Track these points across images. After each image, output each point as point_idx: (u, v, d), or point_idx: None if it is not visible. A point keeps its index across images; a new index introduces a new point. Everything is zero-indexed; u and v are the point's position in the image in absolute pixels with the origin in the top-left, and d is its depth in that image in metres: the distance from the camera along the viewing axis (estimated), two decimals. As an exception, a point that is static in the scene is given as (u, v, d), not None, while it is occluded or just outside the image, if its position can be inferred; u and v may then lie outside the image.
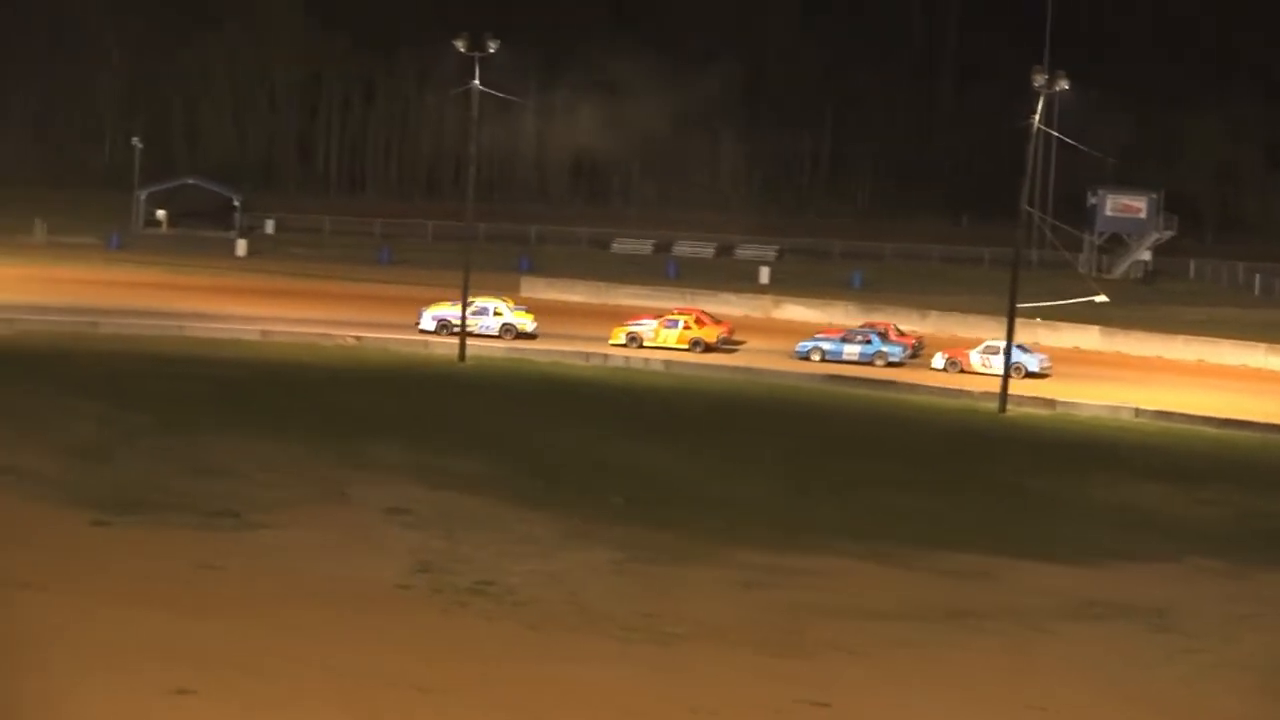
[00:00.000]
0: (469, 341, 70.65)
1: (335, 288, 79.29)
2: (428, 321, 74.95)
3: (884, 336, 75.79)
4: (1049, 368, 72.89)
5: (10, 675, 27.29)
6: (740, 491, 49.29)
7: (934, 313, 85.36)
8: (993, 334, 73.62)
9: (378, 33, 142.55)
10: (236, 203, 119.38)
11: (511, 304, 76.99)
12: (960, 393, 66.84)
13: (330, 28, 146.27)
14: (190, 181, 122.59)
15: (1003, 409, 64.68)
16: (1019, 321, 69.19)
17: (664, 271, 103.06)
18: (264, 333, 72.70)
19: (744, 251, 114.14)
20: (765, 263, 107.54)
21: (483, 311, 74.69)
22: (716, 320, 77.73)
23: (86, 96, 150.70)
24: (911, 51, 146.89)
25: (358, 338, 73.07)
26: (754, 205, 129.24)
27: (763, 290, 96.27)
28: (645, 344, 74.25)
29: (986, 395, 65.61)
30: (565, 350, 72.38)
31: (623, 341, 74.55)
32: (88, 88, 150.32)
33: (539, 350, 72.50)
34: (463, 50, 71.95)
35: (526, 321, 75.61)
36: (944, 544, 43.97)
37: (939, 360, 73.85)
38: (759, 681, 31.23)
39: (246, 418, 54.33)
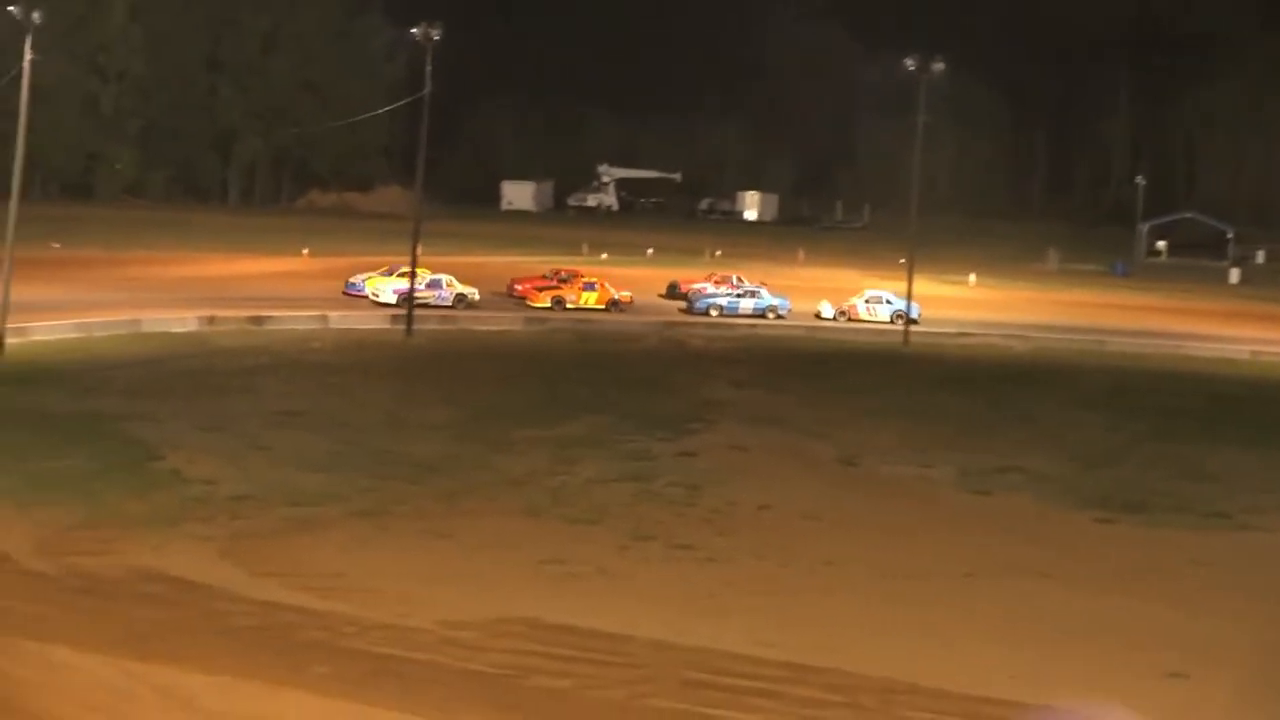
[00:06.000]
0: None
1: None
2: (388, 295, 73.21)
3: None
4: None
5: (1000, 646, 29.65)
6: None
7: None
8: None
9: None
10: (1230, 235, 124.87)
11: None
12: None
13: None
14: (1189, 216, 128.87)
15: None
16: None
17: None
18: (1254, 353, 76.10)
19: None
20: None
21: (435, 284, 74.21)
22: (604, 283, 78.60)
23: (1094, 140, 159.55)
24: None
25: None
26: None
27: None
28: (569, 306, 75.47)
29: None
30: None
31: (549, 305, 75.75)
32: (1096, 132, 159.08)
33: None
34: None
35: (474, 292, 75.37)
36: None
37: (827, 309, 75.70)
38: None
39: (1237, 430, 55.18)
